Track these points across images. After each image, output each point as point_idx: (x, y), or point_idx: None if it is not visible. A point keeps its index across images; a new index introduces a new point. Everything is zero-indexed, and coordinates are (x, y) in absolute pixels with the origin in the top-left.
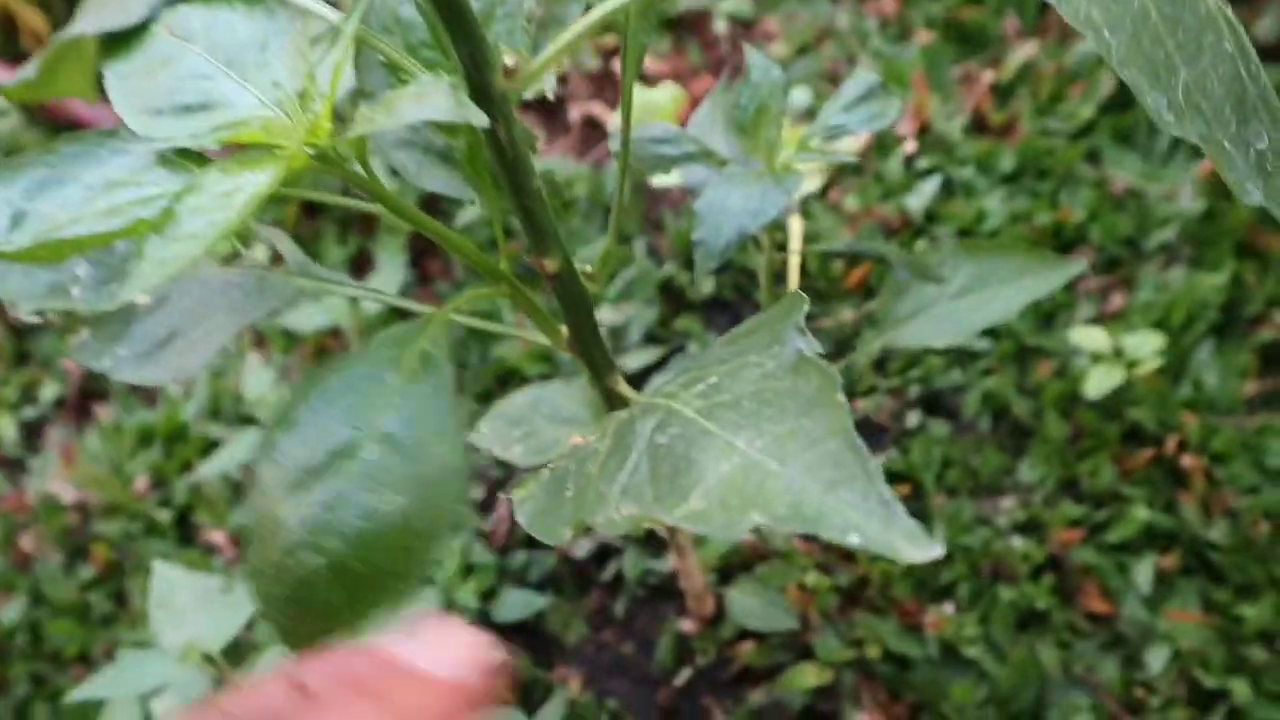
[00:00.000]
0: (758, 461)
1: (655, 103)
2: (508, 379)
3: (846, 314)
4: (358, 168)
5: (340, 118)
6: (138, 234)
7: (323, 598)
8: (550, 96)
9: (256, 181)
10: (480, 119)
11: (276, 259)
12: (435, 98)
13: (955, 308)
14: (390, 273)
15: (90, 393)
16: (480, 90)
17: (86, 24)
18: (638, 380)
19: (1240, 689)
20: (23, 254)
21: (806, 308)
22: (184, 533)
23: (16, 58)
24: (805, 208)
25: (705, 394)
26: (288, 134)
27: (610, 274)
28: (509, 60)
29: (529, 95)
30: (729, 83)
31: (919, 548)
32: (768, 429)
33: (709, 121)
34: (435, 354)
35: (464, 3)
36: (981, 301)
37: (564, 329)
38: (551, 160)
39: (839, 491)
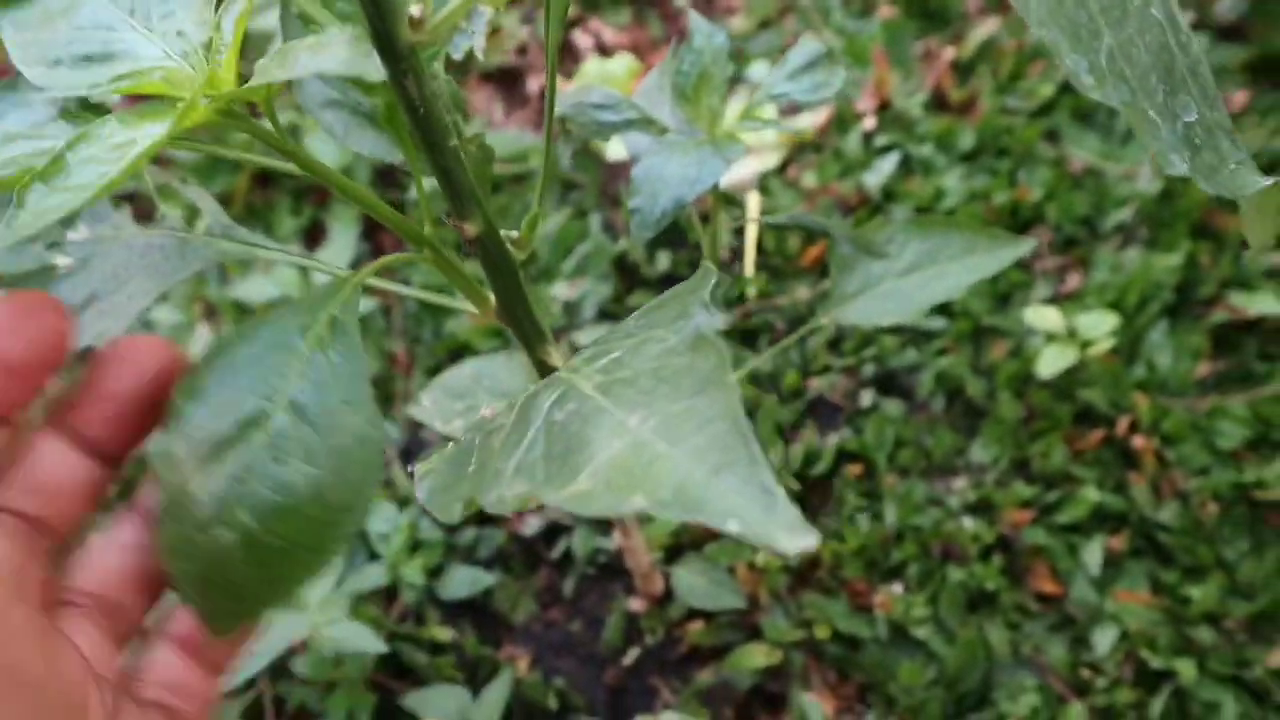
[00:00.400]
0: (647, 442)
1: (611, 73)
2: (460, 354)
3: (802, 292)
4: (266, 123)
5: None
6: (23, 184)
7: (238, 575)
8: (479, 55)
9: (152, 133)
10: (377, 72)
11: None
12: (332, 49)
13: (903, 285)
14: (342, 244)
15: None
16: (385, 42)
17: None
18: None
19: (1186, 670)
20: None
21: (712, 281)
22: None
23: None
24: (763, 184)
25: (606, 369)
26: (189, 85)
27: (566, 248)
28: (415, 10)
29: (490, 64)
30: (677, 48)
31: (795, 537)
32: (661, 408)
33: (656, 90)
34: (345, 320)
35: None
36: (929, 279)
37: (491, 296)
38: (509, 132)
39: (723, 476)
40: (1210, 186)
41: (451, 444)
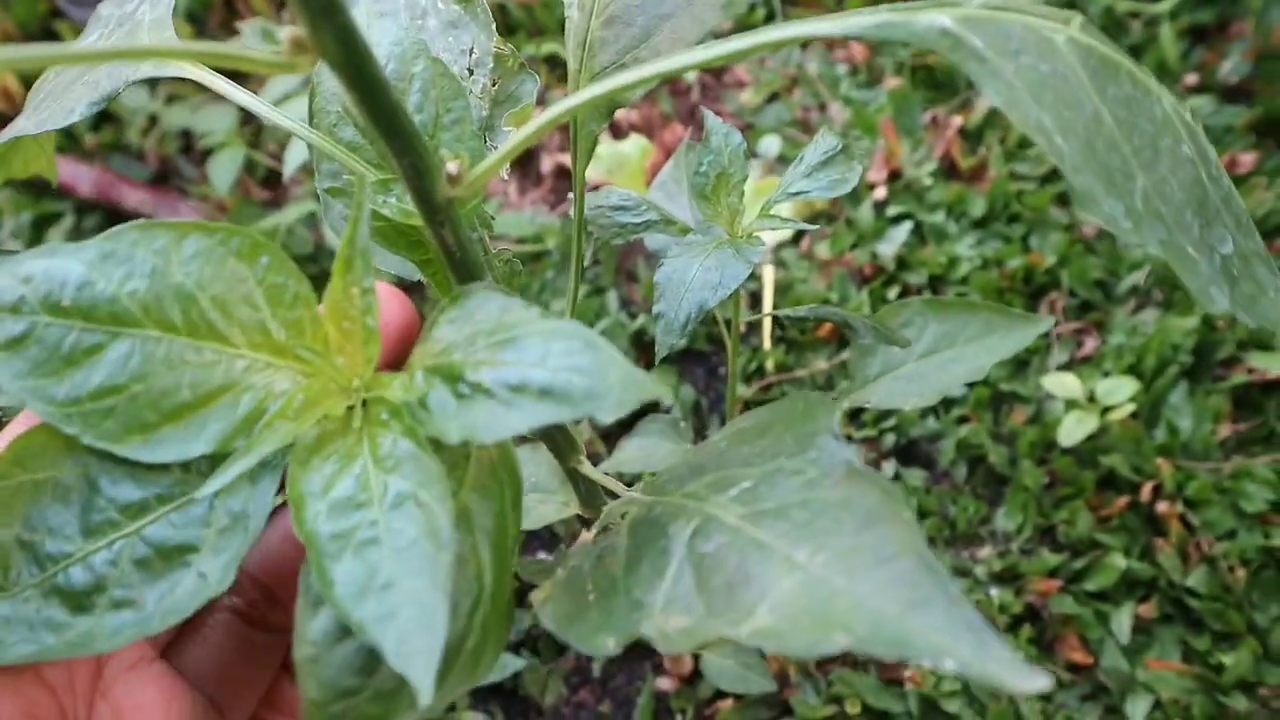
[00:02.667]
0: (823, 577)
1: (624, 156)
2: None
3: (820, 363)
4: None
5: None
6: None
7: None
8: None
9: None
10: (659, 391)
11: None
12: None
13: (923, 367)
14: None
15: None
16: (424, 198)
17: (29, 122)
18: (613, 434)
19: None
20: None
21: (836, 413)
22: None
23: None
24: (778, 256)
25: (743, 500)
26: (334, 397)
27: (587, 324)
28: (452, 168)
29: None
30: (692, 141)
31: (1022, 677)
32: (828, 543)
33: (672, 182)
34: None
35: (402, 119)
36: (949, 361)
37: None
38: (524, 212)
39: (919, 613)
40: (1252, 319)
41: (560, 570)
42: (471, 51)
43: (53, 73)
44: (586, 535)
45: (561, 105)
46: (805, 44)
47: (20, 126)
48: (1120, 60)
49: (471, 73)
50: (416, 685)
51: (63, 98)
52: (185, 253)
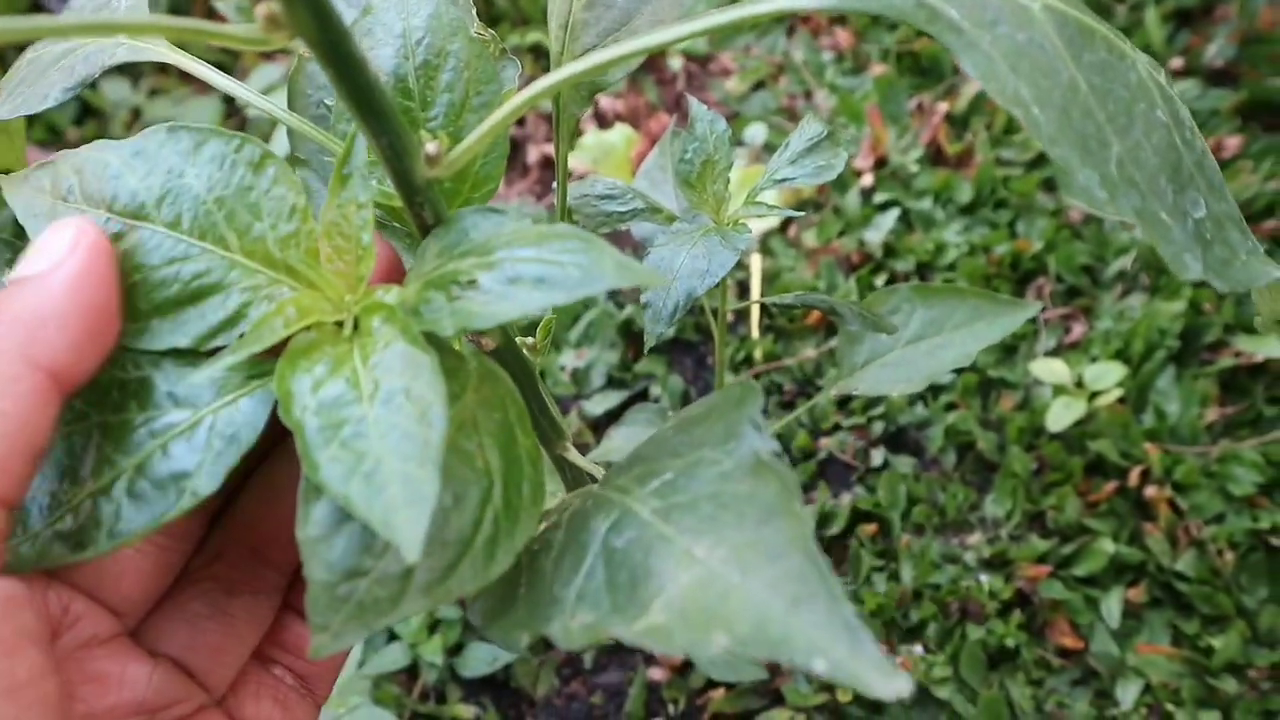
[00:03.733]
0: (719, 573)
1: (609, 145)
2: None
3: (808, 351)
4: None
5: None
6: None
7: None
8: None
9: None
10: (655, 278)
11: None
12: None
13: (910, 354)
14: None
15: None
16: (402, 178)
17: (2, 109)
18: (602, 424)
19: None
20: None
21: (760, 401)
22: None
23: None
24: (765, 244)
25: (661, 492)
26: (326, 309)
27: (572, 316)
28: (430, 148)
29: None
30: (678, 129)
31: (887, 679)
32: (728, 536)
33: (657, 170)
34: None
35: (380, 97)
36: (936, 347)
37: None
38: (511, 204)
39: (802, 611)
40: (1224, 283)
41: None
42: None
43: (27, 59)
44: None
45: (543, 82)
46: (791, 31)
47: None
48: (1095, 26)
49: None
50: (402, 544)
51: (37, 84)
52: (202, 156)
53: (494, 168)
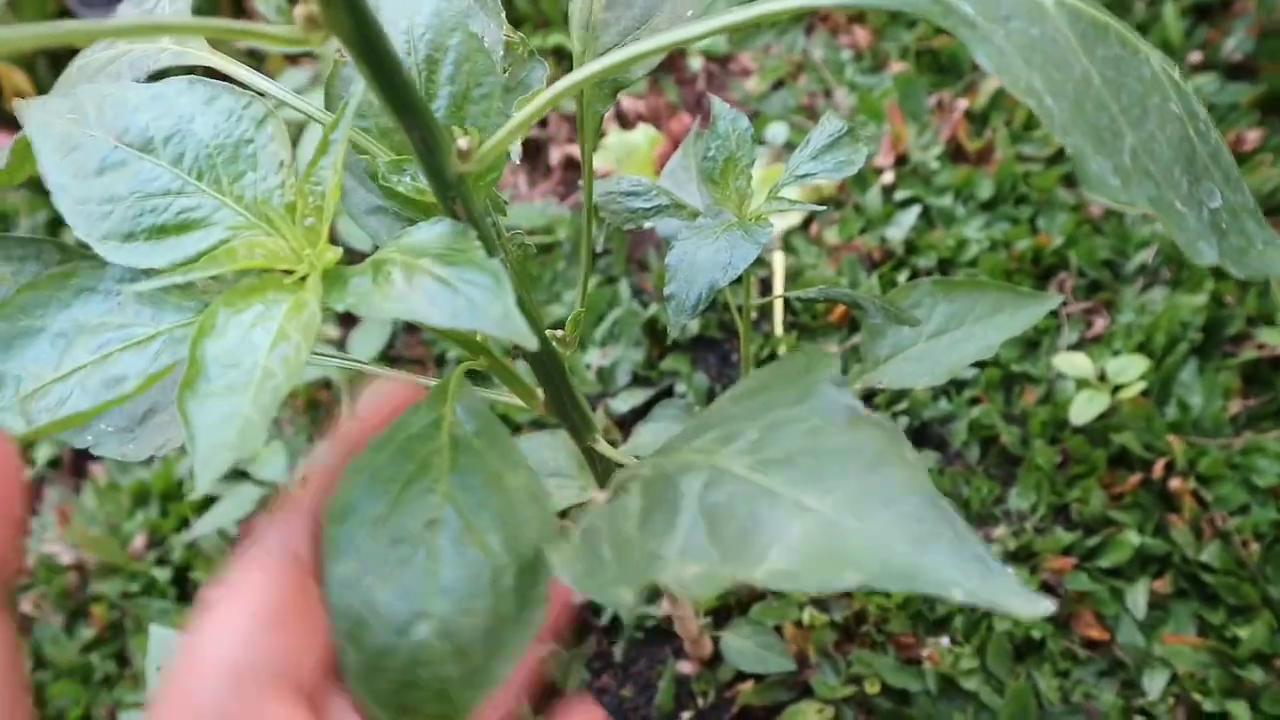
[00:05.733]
0: (834, 520)
1: (633, 145)
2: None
3: (832, 347)
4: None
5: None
6: (143, 389)
7: (439, 672)
8: (514, 158)
9: (280, 314)
10: (529, 340)
11: None
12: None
13: (933, 347)
14: (374, 333)
15: (85, 452)
16: (435, 173)
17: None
18: (628, 421)
19: (1239, 711)
20: (44, 431)
21: (835, 365)
22: (183, 590)
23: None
24: (787, 242)
25: (751, 450)
26: (291, 258)
27: (597, 315)
28: (462, 143)
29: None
30: (700, 129)
31: (1028, 603)
32: (835, 486)
33: (681, 169)
34: (470, 403)
35: (413, 94)
36: (959, 340)
37: (540, 392)
38: (534, 204)
39: (928, 548)
40: (1240, 270)
41: (575, 532)
42: (483, 39)
43: (77, 65)
44: (599, 497)
45: (569, 79)
46: (810, 29)
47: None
48: (1108, 21)
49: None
50: (198, 472)
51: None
52: (214, 107)
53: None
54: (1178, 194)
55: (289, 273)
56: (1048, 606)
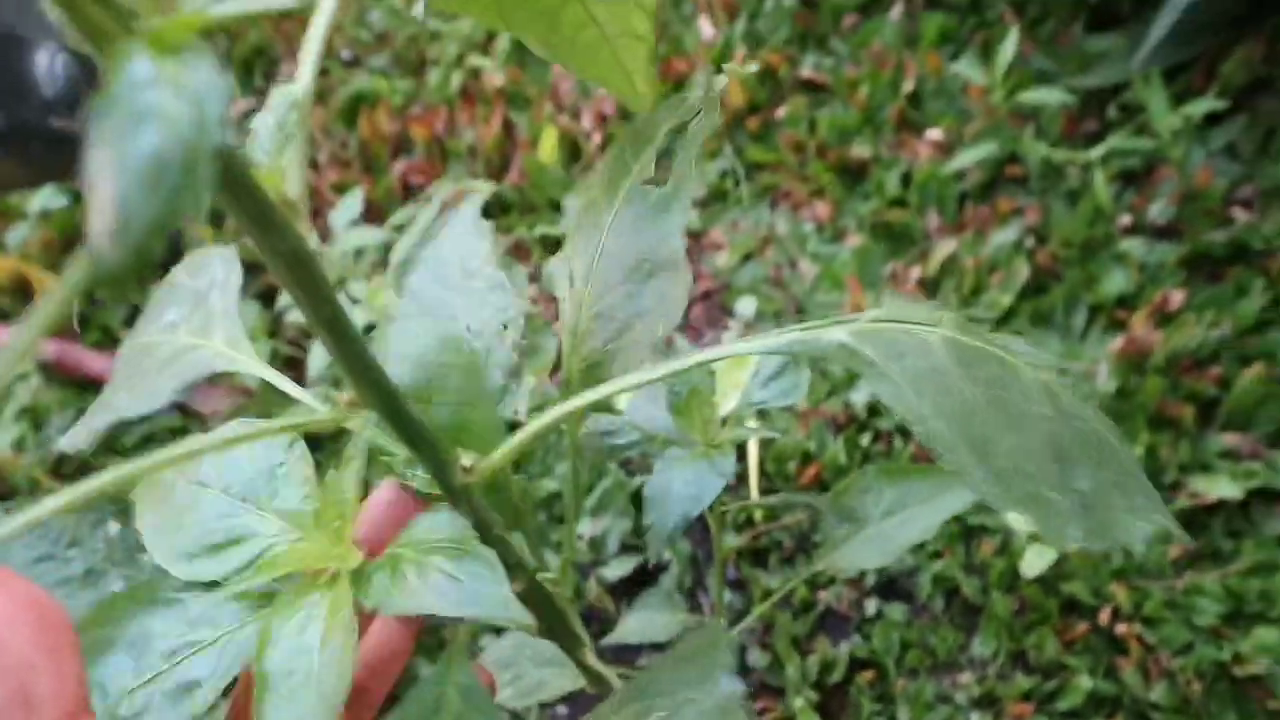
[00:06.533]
0: None
1: None
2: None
3: (803, 513)
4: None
5: None
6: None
7: None
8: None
9: (322, 613)
10: (525, 618)
11: None
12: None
13: (885, 528)
14: None
15: None
16: (443, 482)
17: (124, 403)
18: (619, 590)
19: None
20: None
21: (731, 647)
22: None
23: None
24: (760, 412)
25: None
26: (318, 557)
27: (586, 487)
28: (466, 461)
29: None
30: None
31: None
32: None
33: (648, 394)
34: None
35: (423, 432)
36: (904, 522)
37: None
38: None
39: None
40: (1102, 544)
41: None
42: (508, 310)
43: (133, 352)
44: None
45: (555, 412)
46: (774, 205)
47: (117, 406)
48: (985, 346)
49: (506, 327)
50: None
51: (153, 382)
52: (257, 445)
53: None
54: (1049, 484)
55: (321, 572)
56: None
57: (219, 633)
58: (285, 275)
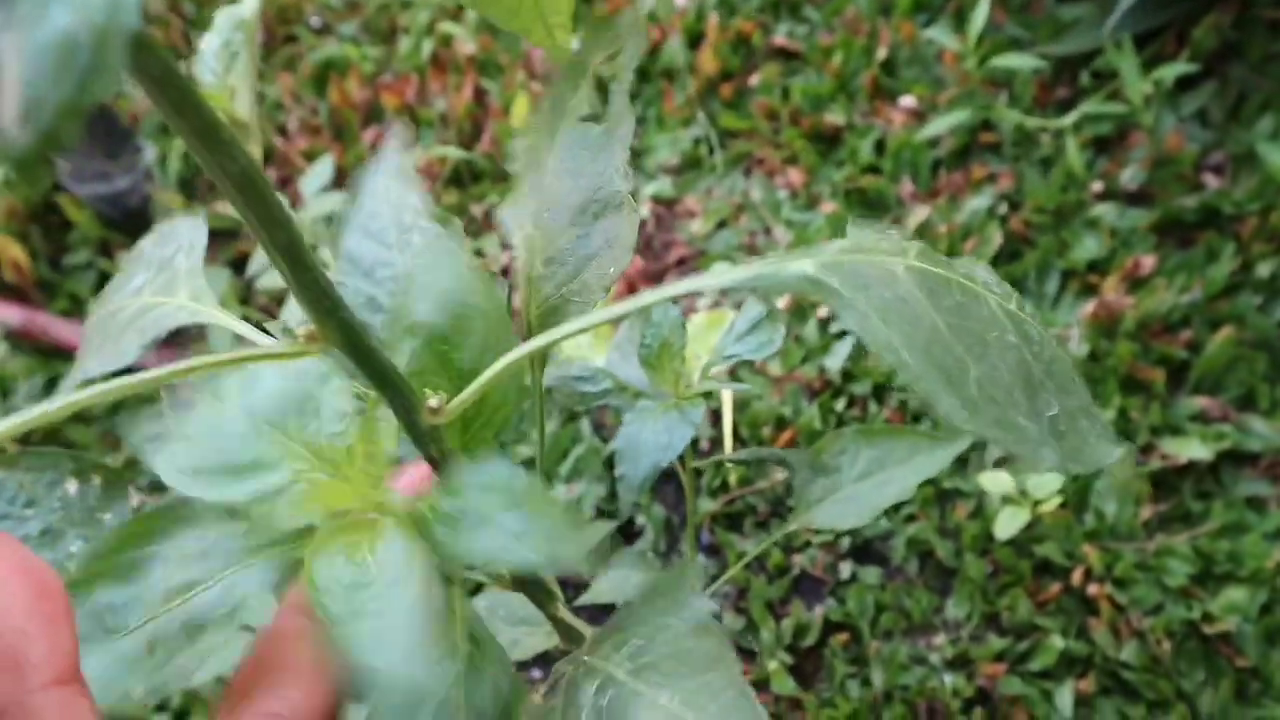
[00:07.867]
0: (678, 713)
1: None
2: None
3: (779, 475)
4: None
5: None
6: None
7: None
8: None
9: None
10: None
11: None
12: None
13: (860, 489)
14: None
15: None
16: (411, 427)
17: (93, 364)
18: (592, 555)
19: None
20: None
21: (698, 577)
22: None
23: None
24: (735, 374)
25: (633, 655)
26: (350, 497)
27: (561, 452)
28: (433, 402)
29: None
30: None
31: None
32: (682, 685)
33: (627, 343)
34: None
35: (392, 375)
36: (880, 484)
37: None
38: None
39: None
40: (1077, 465)
41: None
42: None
43: (99, 317)
44: (536, 697)
45: (516, 352)
46: (748, 173)
47: (87, 368)
48: (949, 275)
49: None
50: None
51: (118, 341)
52: (287, 368)
53: (505, 406)
54: (1019, 410)
55: (350, 514)
56: None
57: (228, 569)
58: (237, 197)
